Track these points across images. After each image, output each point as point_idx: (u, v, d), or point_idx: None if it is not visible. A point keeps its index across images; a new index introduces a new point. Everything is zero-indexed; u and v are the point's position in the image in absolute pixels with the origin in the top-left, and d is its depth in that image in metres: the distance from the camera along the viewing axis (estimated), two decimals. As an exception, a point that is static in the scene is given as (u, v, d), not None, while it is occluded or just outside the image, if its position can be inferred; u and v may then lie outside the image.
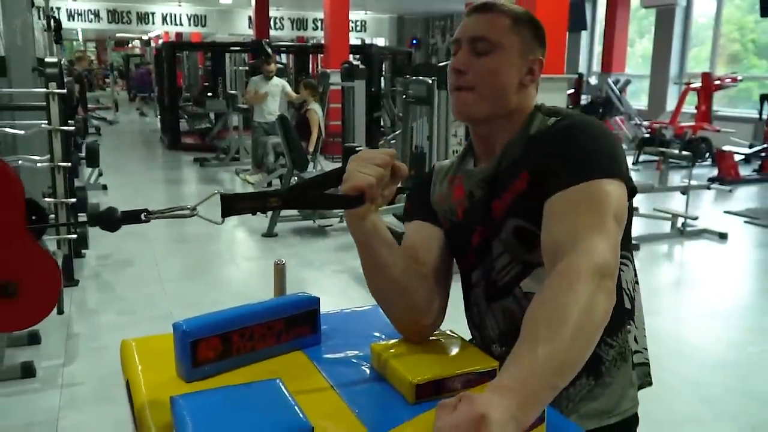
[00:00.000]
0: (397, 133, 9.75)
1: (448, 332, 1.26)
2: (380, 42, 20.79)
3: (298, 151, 6.23)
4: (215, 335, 1.15)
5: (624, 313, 1.24)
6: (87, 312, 4.08)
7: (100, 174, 8.03)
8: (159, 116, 13.43)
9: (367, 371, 1.20)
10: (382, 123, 11.14)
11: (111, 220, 0.90)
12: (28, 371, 3.15)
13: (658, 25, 12.97)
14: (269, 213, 5.84)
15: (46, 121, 4.29)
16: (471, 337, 1.36)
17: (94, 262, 5.02)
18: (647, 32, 13.37)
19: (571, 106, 12.92)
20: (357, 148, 6.12)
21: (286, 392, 1.02)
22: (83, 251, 5.05)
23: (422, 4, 18.68)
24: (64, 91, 4.27)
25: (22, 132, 4.37)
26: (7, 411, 2.89)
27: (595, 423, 1.21)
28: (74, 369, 3.33)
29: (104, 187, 7.70)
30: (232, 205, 1.02)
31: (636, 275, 1.29)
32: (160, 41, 20.01)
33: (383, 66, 12.12)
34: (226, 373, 1.17)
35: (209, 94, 12.84)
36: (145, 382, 1.15)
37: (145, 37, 24.89)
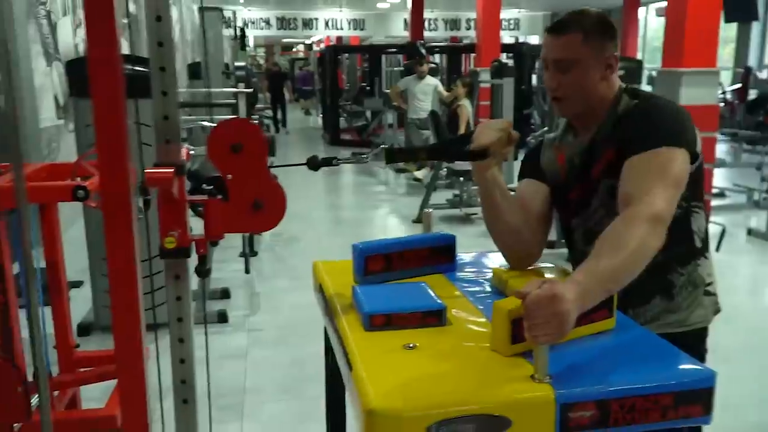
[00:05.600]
0: (545, 129, 9.89)
1: (548, 264, 1.66)
2: (534, 40, 20.73)
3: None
4: (380, 254, 1.63)
5: (694, 250, 1.56)
6: (265, 277, 4.82)
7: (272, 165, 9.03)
8: (321, 115, 14.49)
9: (489, 288, 1.62)
10: (533, 120, 11.31)
11: (314, 163, 1.39)
12: (222, 317, 3.87)
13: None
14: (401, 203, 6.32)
15: (235, 117, 5.09)
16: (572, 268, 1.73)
17: (269, 239, 5.81)
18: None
19: (737, 102, 12.31)
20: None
21: (428, 288, 1.48)
22: (260, 229, 5.85)
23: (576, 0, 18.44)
24: (251, 90, 5.03)
25: (216, 125, 5.19)
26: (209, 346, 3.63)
27: (666, 329, 1.54)
28: (257, 319, 4.04)
29: (275, 177, 8.62)
30: (393, 156, 1.47)
31: (707, 221, 1.60)
32: (322, 45, 21.36)
33: (535, 64, 12.27)
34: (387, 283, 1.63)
35: (367, 91, 13.65)
36: (331, 283, 1.65)
37: (307, 42, 26.57)
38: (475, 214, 6.56)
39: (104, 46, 1.21)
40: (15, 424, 1.50)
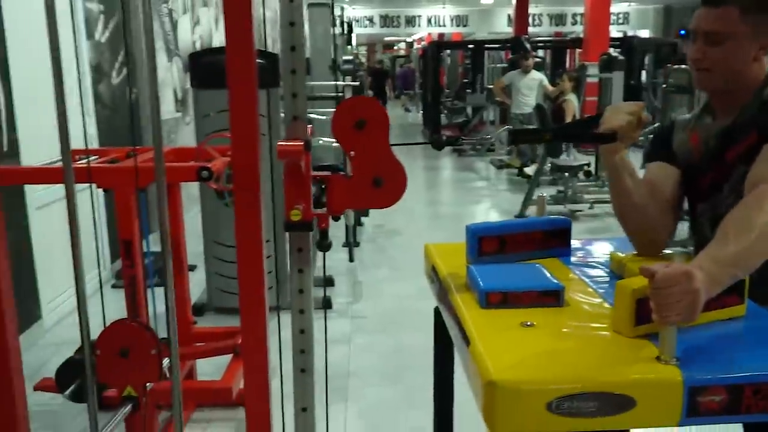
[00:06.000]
0: (655, 125, 9.52)
1: (671, 250, 1.60)
2: (644, 34, 19.90)
3: (552, 140, 6.55)
4: (495, 235, 1.62)
5: None
6: (367, 266, 4.91)
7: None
8: (421, 111, 14.54)
9: (606, 273, 1.58)
10: (641, 117, 10.87)
11: (438, 143, 1.41)
12: (327, 304, 3.98)
13: None
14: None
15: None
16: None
17: (371, 230, 5.92)
18: None
19: None
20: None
21: (545, 270, 1.46)
22: (363, 221, 5.95)
23: (693, -9, 17.52)
24: (357, 83, 5.13)
25: (324, 117, 5.33)
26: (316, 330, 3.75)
27: None
28: (359, 306, 4.13)
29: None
30: (517, 137, 1.47)
31: None
32: (423, 43, 21.42)
33: (645, 58, 11.80)
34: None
35: (468, 90, 13.58)
36: (444, 264, 1.67)
37: (408, 39, 26.70)
38: (581, 211, 6.39)
39: (241, 42, 1.29)
40: (148, 384, 1.62)
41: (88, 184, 2.00)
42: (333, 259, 4.83)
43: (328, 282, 4.35)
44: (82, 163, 2.00)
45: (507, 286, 1.36)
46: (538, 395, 1.07)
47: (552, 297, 1.35)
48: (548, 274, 1.43)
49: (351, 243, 4.93)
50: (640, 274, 1.14)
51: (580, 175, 6.56)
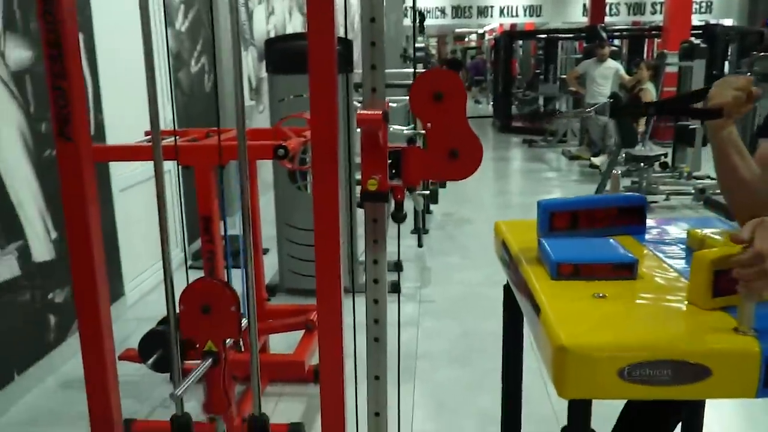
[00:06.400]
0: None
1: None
2: (727, 23, 19.04)
3: (626, 129, 6.38)
4: (567, 211, 1.62)
5: None
6: (436, 253, 4.93)
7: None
8: (492, 102, 14.40)
9: (682, 249, 1.56)
10: (723, 108, 10.43)
11: (536, 114, 1.42)
12: (395, 287, 4.02)
13: None
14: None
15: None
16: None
17: (439, 218, 5.93)
18: None
19: None
20: (690, 127, 6.10)
21: (617, 243, 1.46)
22: (431, 208, 5.97)
23: (783, -23, 16.63)
24: (429, 70, 5.14)
25: (395, 105, 5.37)
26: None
27: None
28: (428, 291, 4.15)
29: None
30: (618, 110, 1.47)
31: None
32: (494, 34, 21.16)
33: (728, 48, 11.31)
34: (573, 240, 1.62)
35: (540, 78, 13.37)
36: (514, 239, 1.68)
37: (480, 31, 26.43)
38: (656, 202, 6.21)
39: (323, 30, 1.35)
40: (228, 340, 1.70)
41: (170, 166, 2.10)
42: (402, 245, 4.88)
43: (397, 267, 4.40)
44: (168, 141, 2.10)
45: (578, 257, 1.36)
46: (609, 361, 1.08)
47: (625, 270, 1.35)
48: (621, 247, 1.42)
49: (420, 229, 4.96)
50: (732, 241, 1.12)
51: (656, 166, 6.37)
